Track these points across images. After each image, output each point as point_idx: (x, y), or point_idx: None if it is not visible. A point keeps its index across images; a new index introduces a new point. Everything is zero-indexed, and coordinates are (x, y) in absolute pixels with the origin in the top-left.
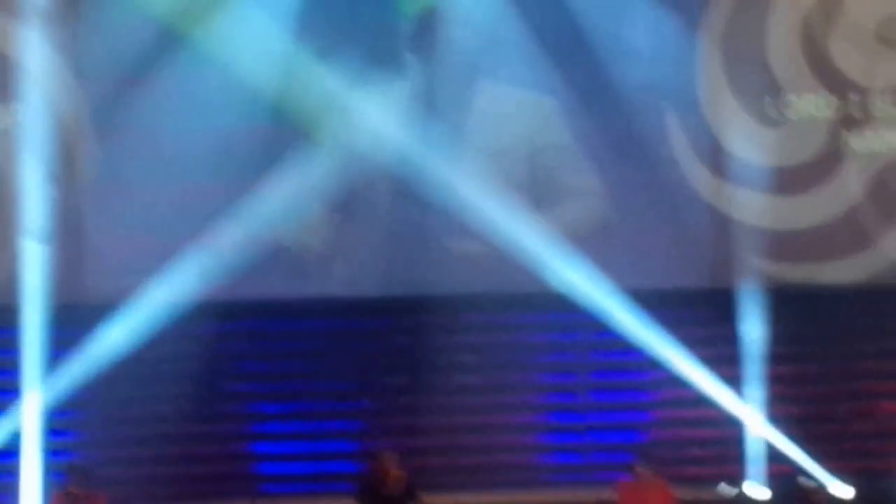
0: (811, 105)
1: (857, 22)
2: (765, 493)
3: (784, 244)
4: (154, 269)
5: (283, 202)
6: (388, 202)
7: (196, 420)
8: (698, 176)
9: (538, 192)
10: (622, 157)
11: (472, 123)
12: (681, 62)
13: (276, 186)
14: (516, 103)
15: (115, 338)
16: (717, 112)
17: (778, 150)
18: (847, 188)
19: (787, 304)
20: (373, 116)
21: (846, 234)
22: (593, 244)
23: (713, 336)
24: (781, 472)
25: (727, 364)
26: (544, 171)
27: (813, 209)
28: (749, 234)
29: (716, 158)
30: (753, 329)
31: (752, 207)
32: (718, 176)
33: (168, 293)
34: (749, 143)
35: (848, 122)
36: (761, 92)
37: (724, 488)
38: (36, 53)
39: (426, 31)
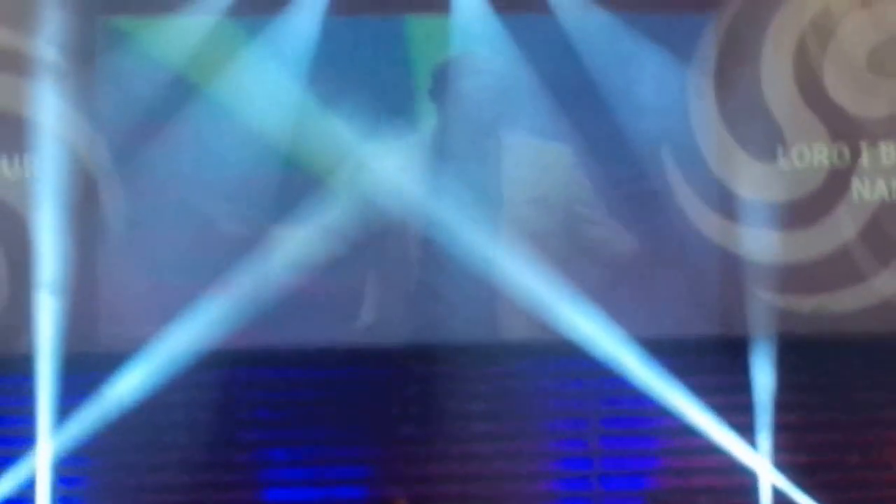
0: (817, 151)
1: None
2: None
3: (794, 277)
4: (168, 316)
5: (296, 251)
6: (401, 252)
7: (208, 468)
8: (706, 221)
9: (560, 241)
10: (631, 204)
11: (489, 173)
12: (685, 110)
13: (291, 236)
14: (537, 152)
15: (127, 386)
16: (723, 159)
17: (785, 192)
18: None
19: (798, 352)
20: (388, 166)
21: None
22: (602, 291)
23: (723, 384)
24: None
25: (737, 412)
26: (566, 219)
27: (820, 244)
28: (759, 276)
29: (723, 204)
30: (764, 377)
31: (760, 250)
32: (727, 220)
33: (181, 341)
34: (756, 188)
35: (854, 167)
36: (766, 138)
37: None
38: (50, 106)
39: (443, 81)
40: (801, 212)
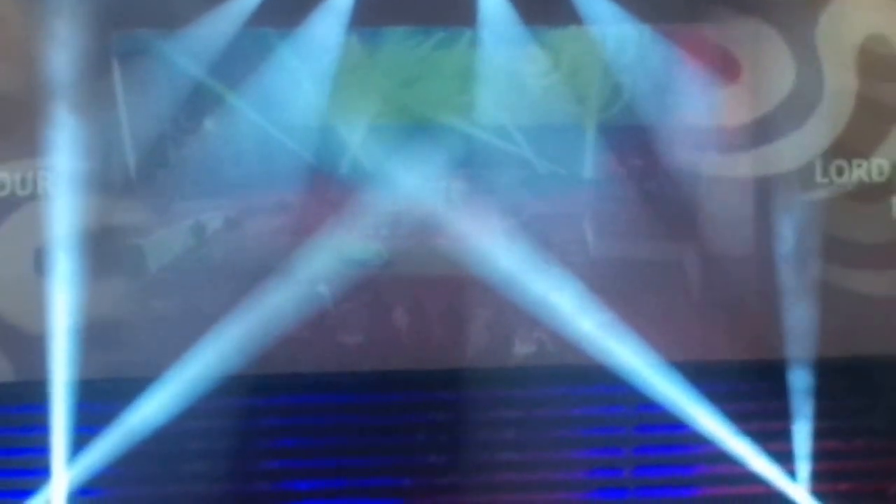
0: (863, 171)
1: None
2: None
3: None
4: (186, 342)
5: (320, 271)
6: (425, 272)
7: (227, 499)
8: (742, 244)
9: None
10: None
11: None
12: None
13: (314, 257)
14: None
15: (145, 414)
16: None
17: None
18: None
19: (837, 377)
20: (413, 182)
21: None
22: (636, 314)
23: (760, 410)
24: None
25: (775, 439)
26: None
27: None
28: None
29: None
30: (803, 403)
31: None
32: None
33: (199, 367)
34: (796, 209)
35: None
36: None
37: None
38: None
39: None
40: None
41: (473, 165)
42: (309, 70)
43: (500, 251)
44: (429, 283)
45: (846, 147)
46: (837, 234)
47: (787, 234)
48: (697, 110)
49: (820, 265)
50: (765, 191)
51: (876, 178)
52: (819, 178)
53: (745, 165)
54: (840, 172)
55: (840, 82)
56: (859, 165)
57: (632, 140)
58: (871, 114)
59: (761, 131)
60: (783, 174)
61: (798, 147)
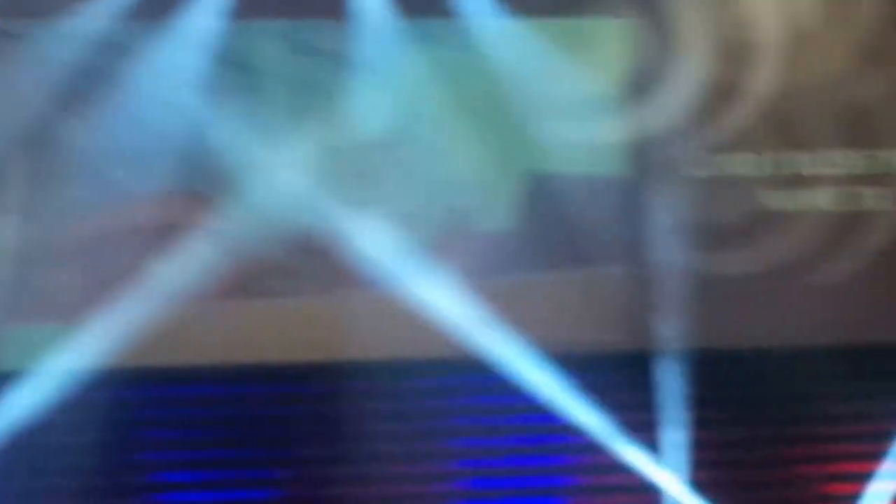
0: (741, 163)
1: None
2: None
3: (708, 299)
4: (59, 335)
5: (194, 265)
6: (302, 263)
7: (103, 493)
8: (617, 234)
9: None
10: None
11: (389, 184)
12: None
13: (187, 249)
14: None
15: (16, 408)
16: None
17: (704, 207)
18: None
19: (709, 367)
20: (286, 176)
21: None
22: (511, 306)
23: (633, 400)
24: None
25: (647, 429)
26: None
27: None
28: (672, 292)
29: (637, 216)
30: (675, 393)
31: (673, 265)
32: (640, 231)
33: (73, 360)
34: (674, 200)
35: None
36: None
37: None
38: None
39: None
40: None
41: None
42: (181, 65)
43: (375, 245)
44: (307, 275)
45: (713, 138)
46: (707, 221)
47: (657, 222)
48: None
49: (690, 252)
50: (631, 183)
51: (756, 172)
52: (698, 171)
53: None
54: (707, 163)
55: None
56: (741, 161)
57: None
58: (732, 103)
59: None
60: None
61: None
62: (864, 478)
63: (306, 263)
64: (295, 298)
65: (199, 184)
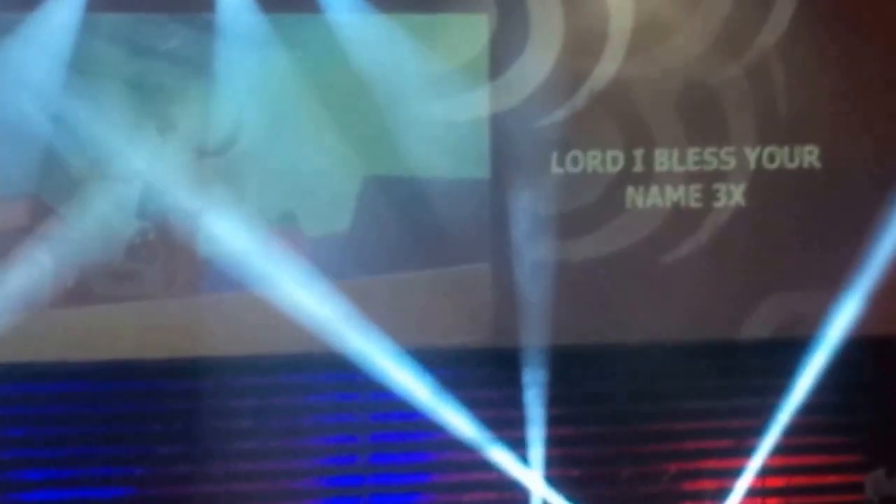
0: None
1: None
2: None
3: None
4: None
5: (50, 259)
6: (161, 258)
7: None
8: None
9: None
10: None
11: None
12: None
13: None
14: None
15: None
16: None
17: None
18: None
19: (569, 364)
20: (146, 169)
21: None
22: (373, 302)
23: (494, 397)
24: None
25: (509, 426)
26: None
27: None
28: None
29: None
30: (534, 390)
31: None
32: (498, 229)
33: None
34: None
35: (630, 176)
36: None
37: None
38: None
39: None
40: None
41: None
42: (42, 56)
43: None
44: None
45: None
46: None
47: (520, 220)
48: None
49: (549, 249)
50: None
51: (610, 168)
52: (554, 168)
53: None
54: (575, 162)
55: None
56: (594, 157)
57: None
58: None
59: None
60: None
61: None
62: (729, 473)
63: (152, 266)
64: (141, 301)
65: (40, 188)
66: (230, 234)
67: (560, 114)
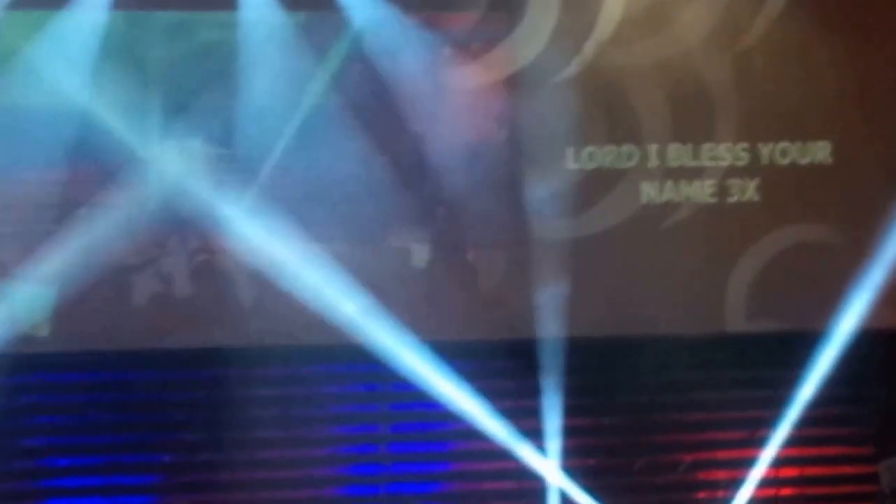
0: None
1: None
2: None
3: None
4: None
5: (79, 254)
6: (187, 253)
7: None
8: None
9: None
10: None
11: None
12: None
13: (72, 238)
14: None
15: None
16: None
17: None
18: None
19: (585, 356)
20: (174, 166)
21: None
22: (392, 295)
23: (512, 388)
24: None
25: (526, 416)
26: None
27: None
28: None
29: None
30: (552, 381)
31: (550, 257)
32: (516, 225)
33: None
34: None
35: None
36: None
37: None
38: None
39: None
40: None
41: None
42: (69, 53)
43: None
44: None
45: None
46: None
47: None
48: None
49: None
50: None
51: (625, 163)
52: (571, 164)
53: None
54: (591, 158)
55: None
56: (609, 153)
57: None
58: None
59: None
60: None
61: None
62: (743, 464)
63: (178, 257)
64: (167, 291)
65: (72, 176)
66: (255, 229)
67: (575, 109)
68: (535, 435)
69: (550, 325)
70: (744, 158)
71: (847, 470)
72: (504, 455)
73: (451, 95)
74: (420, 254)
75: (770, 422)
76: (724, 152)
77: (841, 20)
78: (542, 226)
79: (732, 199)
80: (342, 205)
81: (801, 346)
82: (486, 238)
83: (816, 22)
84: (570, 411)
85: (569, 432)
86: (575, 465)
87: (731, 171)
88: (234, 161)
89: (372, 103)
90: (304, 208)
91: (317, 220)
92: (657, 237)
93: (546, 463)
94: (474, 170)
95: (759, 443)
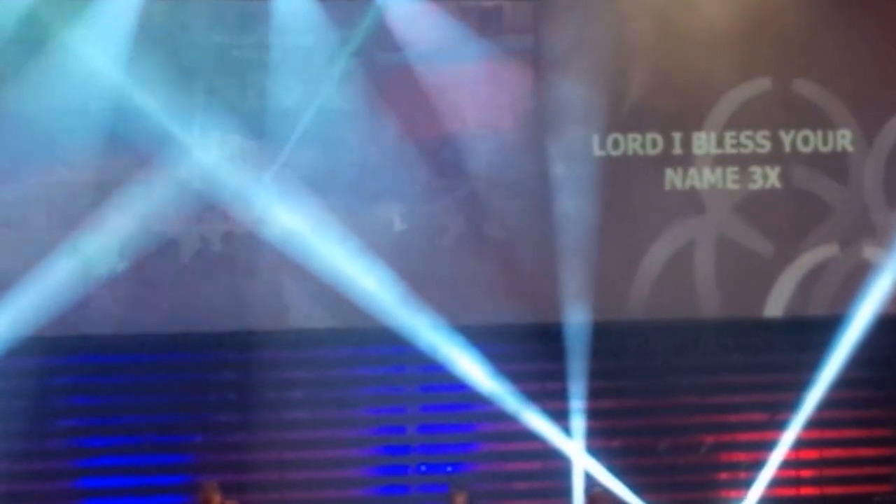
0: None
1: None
2: None
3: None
4: None
5: (115, 235)
6: (218, 237)
7: (22, 457)
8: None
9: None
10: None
11: (304, 158)
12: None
13: (109, 220)
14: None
15: None
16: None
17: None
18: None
19: (609, 339)
20: (206, 152)
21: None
22: (420, 278)
23: (538, 370)
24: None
25: (552, 398)
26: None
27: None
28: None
29: (540, 191)
30: (577, 363)
31: (576, 241)
32: (545, 209)
33: None
34: (573, 178)
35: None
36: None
37: None
38: None
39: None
40: None
41: (270, 137)
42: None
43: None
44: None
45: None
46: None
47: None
48: None
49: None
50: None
51: (650, 150)
52: (597, 151)
53: None
54: (616, 145)
55: None
56: (634, 140)
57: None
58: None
59: None
60: None
61: None
62: (764, 446)
63: (210, 244)
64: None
65: (105, 165)
66: (286, 214)
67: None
68: (560, 416)
69: (576, 308)
70: (766, 146)
71: (867, 452)
72: (530, 436)
73: (478, 76)
74: (448, 233)
75: (791, 405)
76: (747, 140)
77: None
78: (568, 212)
79: (755, 186)
80: (363, 182)
81: (823, 330)
82: (514, 222)
83: None
84: (595, 394)
85: (593, 414)
86: (599, 445)
87: (754, 158)
88: (265, 151)
89: (396, 81)
90: (325, 185)
91: (342, 197)
92: (679, 225)
93: (571, 443)
94: (499, 151)
95: (781, 425)
